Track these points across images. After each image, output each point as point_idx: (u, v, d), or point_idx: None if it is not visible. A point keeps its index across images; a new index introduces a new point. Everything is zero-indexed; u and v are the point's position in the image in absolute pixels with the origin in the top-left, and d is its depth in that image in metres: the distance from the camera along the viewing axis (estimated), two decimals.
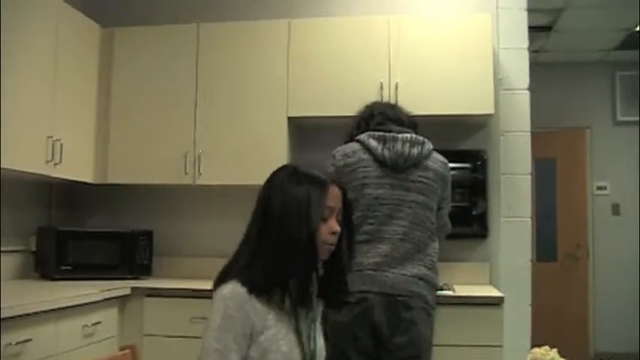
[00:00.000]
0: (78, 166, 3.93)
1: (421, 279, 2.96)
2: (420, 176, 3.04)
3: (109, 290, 3.53)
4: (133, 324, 3.69)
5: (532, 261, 4.17)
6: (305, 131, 4.29)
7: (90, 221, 4.51)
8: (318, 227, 1.91)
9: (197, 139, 4.11)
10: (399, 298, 2.90)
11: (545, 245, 6.97)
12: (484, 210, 4.09)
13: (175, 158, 4.11)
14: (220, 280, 1.89)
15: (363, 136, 3.07)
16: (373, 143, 3.03)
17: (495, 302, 3.44)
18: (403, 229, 2.97)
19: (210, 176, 4.09)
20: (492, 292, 3.69)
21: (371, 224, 2.95)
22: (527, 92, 4.20)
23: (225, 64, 4.13)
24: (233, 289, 1.83)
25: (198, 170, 4.08)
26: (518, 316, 3.95)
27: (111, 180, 4.18)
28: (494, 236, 4.16)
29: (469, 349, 3.35)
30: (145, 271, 4.12)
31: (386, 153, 3.02)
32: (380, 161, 3.01)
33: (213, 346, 1.79)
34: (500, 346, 3.37)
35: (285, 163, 3.86)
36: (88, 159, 4.06)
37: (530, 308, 4.06)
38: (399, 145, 3.04)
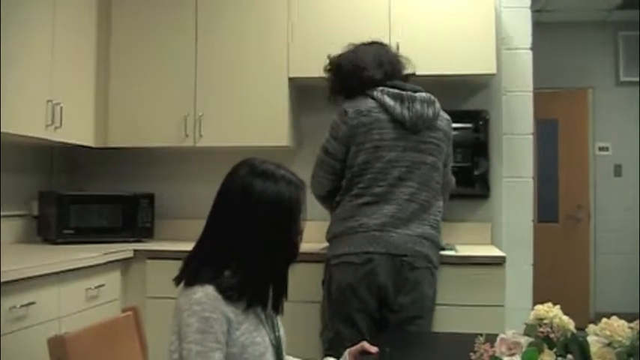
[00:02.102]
0: (78, 130, 3.90)
1: (426, 238, 2.98)
2: (431, 137, 3.04)
3: (111, 253, 3.53)
4: (136, 287, 3.70)
5: (533, 222, 4.18)
6: (306, 92, 4.25)
7: (91, 185, 4.50)
8: (302, 229, 1.95)
9: (197, 101, 4.09)
10: (404, 259, 2.92)
11: (547, 206, 6.97)
12: (486, 170, 4.07)
13: (176, 120, 4.09)
14: (188, 281, 1.85)
15: (377, 93, 2.99)
16: (389, 101, 2.98)
17: (497, 262, 3.43)
18: (411, 189, 2.98)
19: (211, 138, 4.07)
20: (494, 252, 3.69)
21: (381, 186, 2.95)
22: (530, 52, 4.17)
23: (225, 24, 4.09)
24: (205, 292, 1.80)
25: (199, 132, 4.07)
26: (519, 276, 3.98)
27: (111, 143, 4.17)
28: (496, 196, 4.16)
29: (471, 309, 3.35)
30: (147, 233, 4.13)
31: (405, 113, 2.98)
32: (397, 122, 2.97)
33: (195, 349, 1.76)
34: (502, 306, 3.37)
35: (286, 124, 3.96)
36: (88, 122, 4.02)
37: (531, 268, 4.08)
38: (417, 105, 3.01)
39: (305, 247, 2.09)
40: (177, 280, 1.90)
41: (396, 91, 3.01)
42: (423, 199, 3.00)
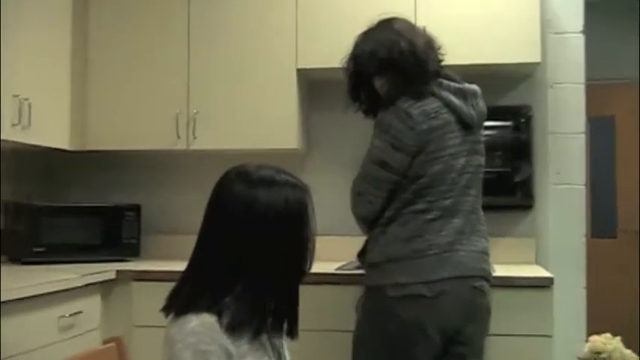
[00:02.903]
0: (51, 130, 3.89)
1: (487, 254, 3.01)
2: (480, 135, 3.05)
3: (90, 275, 3.52)
4: (119, 314, 3.69)
5: (586, 237, 4.15)
6: (318, 87, 4.25)
7: (67, 195, 4.51)
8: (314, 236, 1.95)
9: (191, 97, 4.09)
10: (475, 284, 2.93)
11: (602, 219, 6.91)
12: (528, 176, 4.05)
13: (166, 119, 4.09)
14: (180, 311, 1.85)
15: (437, 88, 2.95)
16: (455, 100, 2.95)
17: (543, 284, 3.41)
18: (472, 198, 3.00)
19: (207, 140, 4.08)
20: (539, 272, 3.68)
21: (449, 198, 2.93)
22: (581, 36, 4.15)
23: (222, 8, 4.10)
24: (202, 321, 1.79)
25: (193, 133, 4.07)
26: (570, 301, 3.94)
27: (90, 146, 4.18)
28: (540, 207, 4.13)
29: (512, 340, 3.33)
30: (133, 251, 4.14)
31: (473, 113, 2.97)
32: (461, 122, 2.96)
33: None
34: (549, 337, 3.35)
35: (295, 123, 3.95)
36: (63, 122, 4.02)
37: (584, 292, 4.05)
38: (480, 102, 3.02)
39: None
40: (166, 311, 1.89)
41: (457, 85, 2.99)
42: (479, 207, 3.03)
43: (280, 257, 1.88)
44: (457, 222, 2.92)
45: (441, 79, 2.98)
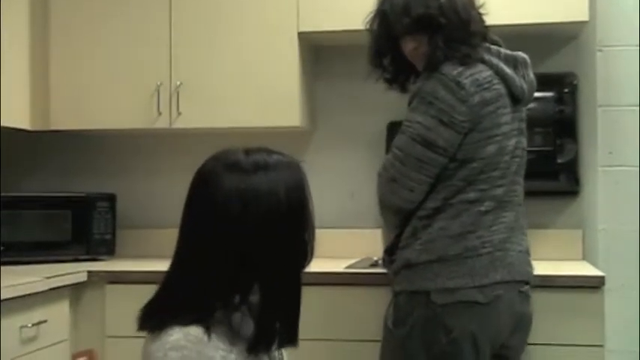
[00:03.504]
0: (7, 108, 3.86)
1: (529, 254, 3.03)
2: (524, 112, 3.06)
3: (56, 277, 3.51)
4: (91, 322, 3.69)
5: None
6: (323, 53, 4.26)
7: (28, 183, 4.51)
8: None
9: (174, 66, 4.08)
10: (522, 289, 2.95)
11: None
12: (574, 156, 4.02)
13: (144, 93, 4.09)
14: (157, 323, 1.83)
15: (488, 56, 2.93)
16: (506, 69, 2.93)
17: (592, 285, 3.40)
18: (521, 188, 3.02)
19: (193, 117, 4.07)
20: (588, 270, 3.67)
21: (501, 186, 2.92)
22: None
23: None
24: (185, 333, 1.77)
25: (177, 109, 4.06)
26: (624, 304, 3.95)
27: (55, 125, 4.17)
28: (588, 193, 4.13)
29: (555, 350, 3.33)
30: (106, 249, 4.15)
31: (524, 86, 2.97)
32: (513, 96, 2.94)
33: None
34: (600, 346, 3.34)
35: (297, 97, 3.94)
36: (21, 98, 4.02)
37: None
38: (531, 73, 3.02)
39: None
40: (142, 325, 1.87)
41: (509, 52, 2.98)
42: (523, 198, 3.04)
43: (286, 254, 1.88)
44: (508, 216, 2.92)
45: (488, 45, 2.95)
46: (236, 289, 1.86)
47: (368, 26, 3.08)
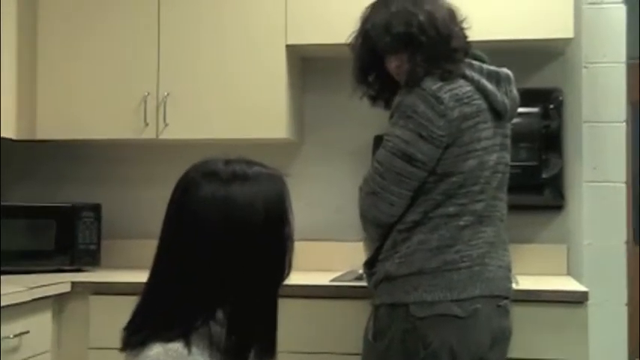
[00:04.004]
0: None
1: (509, 269, 3.03)
2: (509, 129, 3.08)
3: (39, 287, 3.50)
4: (74, 334, 3.68)
5: (627, 244, 4.15)
6: (311, 66, 4.27)
7: (12, 192, 4.47)
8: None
9: (161, 76, 4.08)
10: (501, 303, 2.95)
11: None
12: (559, 171, 4.04)
13: (131, 103, 4.09)
14: (140, 340, 1.82)
15: (469, 71, 2.94)
16: (488, 84, 2.94)
17: (576, 300, 3.40)
18: (502, 204, 3.02)
19: (180, 128, 4.07)
20: (572, 285, 3.67)
21: (481, 201, 2.93)
22: (623, 7, 4.13)
23: None
24: (165, 348, 1.76)
25: (164, 120, 4.06)
26: (608, 320, 3.94)
27: (41, 135, 4.17)
28: (573, 208, 4.13)
29: None
30: (91, 259, 4.13)
31: (506, 101, 2.97)
32: (494, 111, 2.95)
33: None
34: None
35: (284, 108, 3.93)
36: (7, 106, 3.98)
37: (625, 309, 4.04)
38: (514, 89, 3.03)
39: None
40: (126, 345, 1.86)
41: (491, 68, 2.98)
42: (506, 214, 3.04)
43: (262, 267, 1.87)
44: (488, 231, 2.92)
45: (470, 60, 2.96)
46: (215, 301, 1.85)
47: (351, 45, 3.10)
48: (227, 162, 1.91)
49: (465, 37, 3.00)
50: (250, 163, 1.93)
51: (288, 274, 1.94)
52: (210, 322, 1.84)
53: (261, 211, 1.86)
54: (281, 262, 1.91)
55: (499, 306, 2.92)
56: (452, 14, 3.00)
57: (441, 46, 2.90)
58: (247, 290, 1.86)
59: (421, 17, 2.91)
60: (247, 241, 1.84)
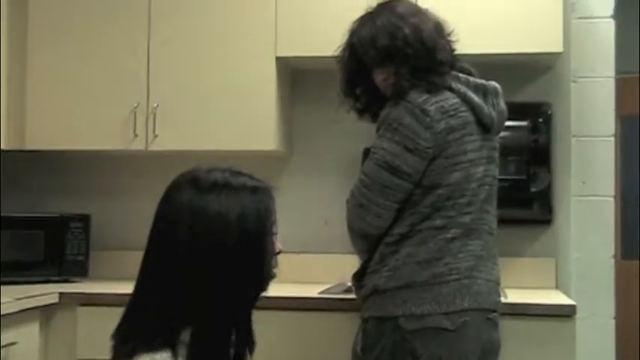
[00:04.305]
0: None
1: (498, 284, 3.02)
2: (497, 142, 3.06)
3: (27, 298, 3.49)
4: (62, 345, 3.68)
5: (615, 258, 4.15)
6: (301, 77, 4.28)
7: (2, 203, 4.46)
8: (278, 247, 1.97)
9: (151, 88, 4.08)
10: (490, 316, 2.95)
11: (635, 237, 6.92)
12: (548, 186, 4.05)
13: (120, 114, 4.09)
14: (128, 350, 1.82)
15: (454, 83, 2.94)
16: (474, 97, 2.94)
17: (564, 313, 3.41)
18: (490, 216, 3.01)
19: (170, 139, 4.07)
20: (560, 299, 3.68)
21: (468, 213, 2.92)
22: (612, 21, 4.15)
23: None
24: (152, 358, 1.78)
25: (153, 131, 4.06)
26: (596, 333, 3.95)
27: (30, 145, 4.16)
28: (562, 222, 4.14)
29: None
30: (79, 270, 4.12)
31: (493, 114, 2.97)
32: (480, 124, 2.95)
33: None
34: None
35: (273, 120, 3.94)
36: None
37: (613, 323, 4.04)
38: (502, 102, 3.03)
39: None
40: (116, 355, 1.86)
41: (477, 80, 2.99)
42: (495, 228, 3.03)
43: (237, 280, 1.86)
44: (475, 244, 2.92)
45: (456, 73, 2.97)
46: (184, 313, 1.84)
47: (338, 58, 3.11)
48: (211, 170, 1.92)
49: (452, 49, 3.01)
50: (238, 173, 1.93)
51: (265, 289, 1.95)
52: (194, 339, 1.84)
53: (233, 223, 1.85)
54: (257, 275, 1.91)
55: (488, 319, 2.92)
56: (439, 27, 3.00)
57: (426, 59, 2.91)
58: (220, 303, 1.85)
59: (406, 30, 2.92)
60: (218, 250, 1.83)
